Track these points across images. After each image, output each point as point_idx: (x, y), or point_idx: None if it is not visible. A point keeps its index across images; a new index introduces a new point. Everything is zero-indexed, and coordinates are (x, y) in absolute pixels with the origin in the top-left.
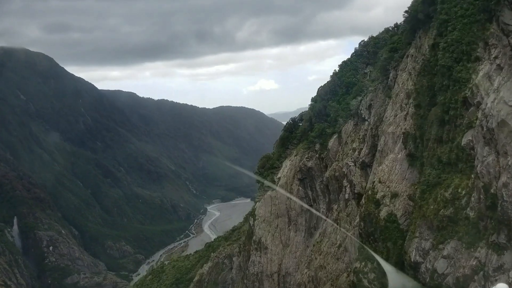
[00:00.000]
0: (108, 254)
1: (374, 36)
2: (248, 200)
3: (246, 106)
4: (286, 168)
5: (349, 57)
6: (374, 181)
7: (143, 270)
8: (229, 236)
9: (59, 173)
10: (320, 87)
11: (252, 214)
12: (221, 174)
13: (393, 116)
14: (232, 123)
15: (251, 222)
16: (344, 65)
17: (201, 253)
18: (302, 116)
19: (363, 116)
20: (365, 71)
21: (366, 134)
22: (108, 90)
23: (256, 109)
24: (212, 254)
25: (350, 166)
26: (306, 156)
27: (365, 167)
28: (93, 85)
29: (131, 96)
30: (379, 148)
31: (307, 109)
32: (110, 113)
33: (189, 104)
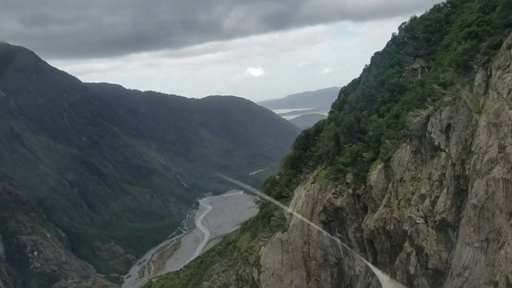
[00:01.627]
0: (97, 255)
1: (418, 16)
2: (241, 192)
3: (235, 95)
4: (301, 200)
5: (385, 46)
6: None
7: (134, 271)
8: (223, 251)
9: (43, 173)
10: (343, 89)
11: (255, 263)
12: (213, 166)
13: (495, 147)
14: (222, 113)
15: (255, 275)
16: (379, 59)
17: (192, 270)
18: (319, 128)
19: (434, 141)
20: (414, 66)
21: (445, 173)
22: (94, 83)
23: (246, 97)
24: (204, 283)
25: (417, 223)
26: (333, 191)
27: (446, 228)
28: (77, 78)
29: (117, 88)
30: (473, 201)
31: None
32: (96, 107)
33: (177, 95)
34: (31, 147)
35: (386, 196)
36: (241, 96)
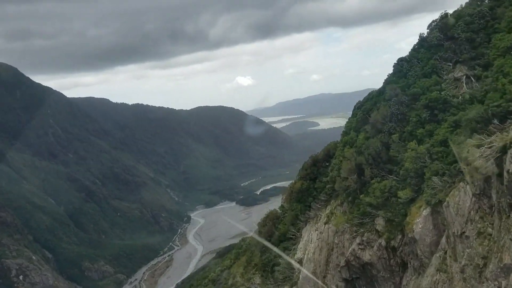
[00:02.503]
0: (87, 276)
1: (451, 12)
2: (233, 203)
3: (224, 105)
4: (312, 245)
5: (412, 51)
6: None
7: None
8: (217, 279)
9: (28, 192)
10: (358, 105)
11: None
12: (204, 177)
13: None
14: (211, 123)
15: None
16: (405, 67)
17: None
18: (330, 152)
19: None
20: (455, 75)
21: None
22: (79, 98)
23: (235, 107)
24: None
25: None
26: (358, 241)
27: None
28: (62, 93)
29: (104, 102)
30: None
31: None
32: (82, 122)
33: (166, 106)
34: (15, 165)
35: (438, 255)
36: (230, 106)
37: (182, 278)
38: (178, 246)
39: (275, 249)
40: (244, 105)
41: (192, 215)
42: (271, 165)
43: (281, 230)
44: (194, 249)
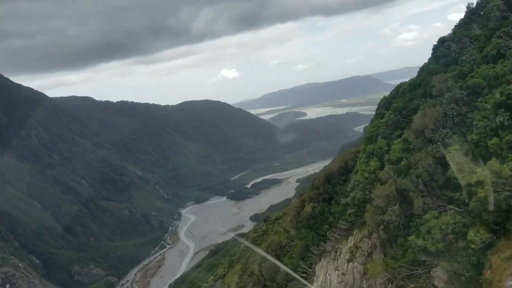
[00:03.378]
0: (76, 281)
1: None
2: (224, 198)
3: (210, 99)
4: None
5: (456, 26)
6: None
7: None
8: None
9: (13, 196)
10: (383, 102)
11: None
12: (193, 173)
13: None
14: (198, 118)
15: None
16: (454, 49)
17: None
18: (347, 165)
19: None
20: None
21: None
22: (62, 97)
23: (221, 100)
24: None
25: None
26: None
27: None
28: (44, 94)
29: (88, 101)
30: None
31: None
32: (66, 122)
33: (151, 103)
34: None
35: None
36: (216, 99)
37: (175, 277)
38: (170, 244)
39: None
40: (230, 98)
41: (182, 212)
42: (261, 158)
43: (288, 265)
44: (186, 247)
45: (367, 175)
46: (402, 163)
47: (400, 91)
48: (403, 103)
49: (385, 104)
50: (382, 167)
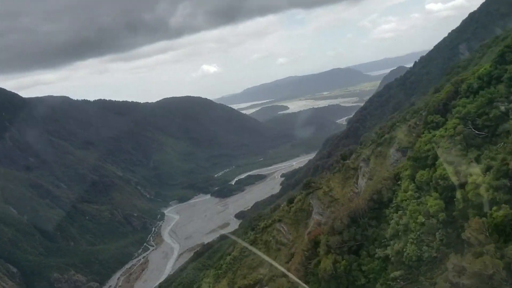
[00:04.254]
0: None
1: None
2: (208, 196)
3: (191, 95)
4: None
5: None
6: None
7: None
8: None
9: None
10: (430, 111)
11: None
12: (175, 172)
13: None
14: (179, 115)
15: None
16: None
17: None
18: (381, 197)
19: None
20: None
21: None
22: (37, 98)
23: (203, 96)
24: None
25: None
26: None
27: None
28: (17, 94)
29: (64, 100)
30: None
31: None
32: (42, 123)
33: (130, 100)
34: None
35: None
36: (197, 95)
37: (160, 281)
38: (153, 246)
39: None
40: (211, 93)
41: (166, 211)
42: (244, 153)
43: None
44: (170, 248)
45: (423, 218)
46: (501, 213)
47: (461, 88)
48: (477, 107)
49: (439, 107)
50: (447, 208)
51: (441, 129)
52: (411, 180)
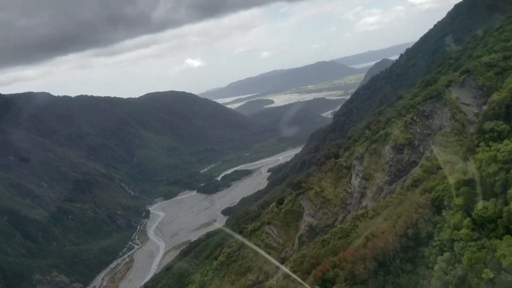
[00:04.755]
0: None
1: None
2: (194, 192)
3: (175, 90)
4: None
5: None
6: None
7: None
8: None
9: None
10: (485, 115)
11: None
12: (160, 168)
13: None
14: (163, 110)
15: None
16: None
17: None
18: (417, 233)
19: None
20: None
21: None
22: (17, 94)
23: (187, 90)
24: None
25: None
26: None
27: None
28: None
29: (45, 96)
30: None
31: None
32: (21, 120)
33: (112, 96)
34: None
35: None
36: (181, 90)
37: (145, 280)
38: (138, 244)
39: None
40: (195, 88)
41: (151, 209)
42: (230, 148)
43: None
44: (156, 246)
45: (491, 273)
46: None
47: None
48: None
49: (501, 111)
50: None
51: (506, 141)
52: (465, 213)
